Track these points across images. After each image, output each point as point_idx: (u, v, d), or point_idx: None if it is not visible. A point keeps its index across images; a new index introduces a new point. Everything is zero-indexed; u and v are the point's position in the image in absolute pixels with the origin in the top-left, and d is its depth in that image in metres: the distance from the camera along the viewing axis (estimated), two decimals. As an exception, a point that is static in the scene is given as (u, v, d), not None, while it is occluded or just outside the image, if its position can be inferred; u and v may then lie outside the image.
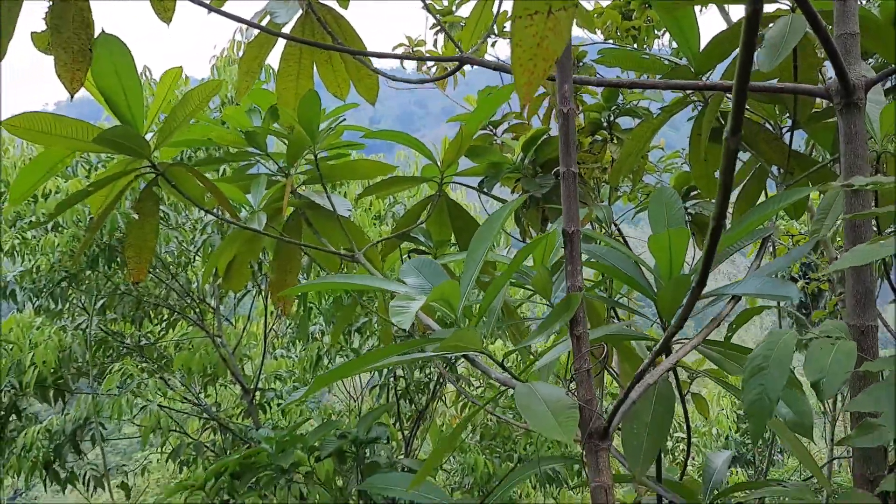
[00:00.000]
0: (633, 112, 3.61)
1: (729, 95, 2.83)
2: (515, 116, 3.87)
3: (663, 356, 2.08)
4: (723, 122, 2.78)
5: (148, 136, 2.68)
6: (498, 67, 1.92)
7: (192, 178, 2.75)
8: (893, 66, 1.73)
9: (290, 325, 5.06)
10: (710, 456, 2.73)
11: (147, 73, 4.44)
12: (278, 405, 4.79)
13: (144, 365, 4.28)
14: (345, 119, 2.93)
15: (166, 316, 4.56)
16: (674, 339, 1.96)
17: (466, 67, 2.84)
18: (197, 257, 4.11)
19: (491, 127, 3.85)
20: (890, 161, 2.02)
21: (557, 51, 0.77)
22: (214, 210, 2.91)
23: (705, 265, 1.21)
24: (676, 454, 6.04)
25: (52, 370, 4.17)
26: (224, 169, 3.98)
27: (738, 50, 2.40)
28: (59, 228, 4.10)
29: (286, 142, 2.99)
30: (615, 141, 3.60)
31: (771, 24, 2.29)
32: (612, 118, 3.69)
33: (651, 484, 2.24)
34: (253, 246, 3.20)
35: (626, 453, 1.88)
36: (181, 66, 2.69)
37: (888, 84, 2.78)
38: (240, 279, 3.32)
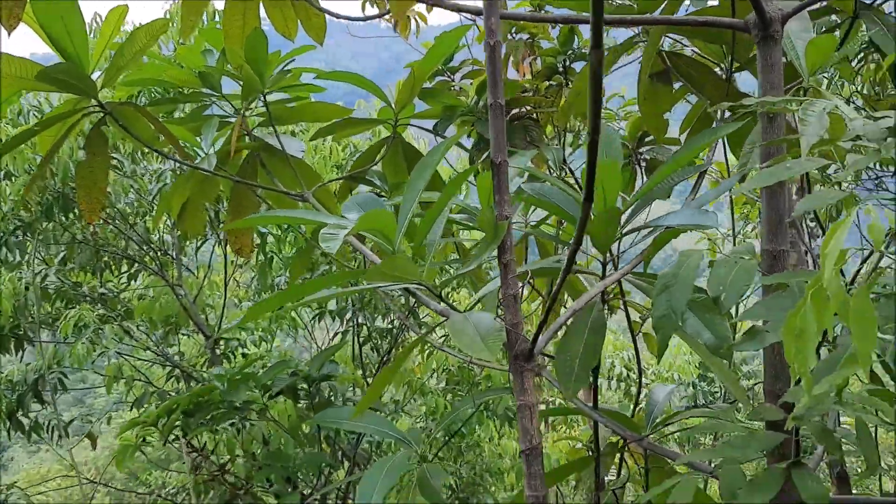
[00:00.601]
0: (585, 57, 3.63)
1: (674, 36, 2.87)
2: (473, 62, 3.88)
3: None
4: (668, 64, 2.81)
5: (96, 76, 2.67)
6: (455, 8, 1.93)
7: (141, 118, 2.74)
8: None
9: (254, 276, 5.08)
10: (653, 389, 2.83)
11: (97, 20, 4.36)
12: (242, 354, 4.83)
13: (101, 313, 4.28)
14: (293, 61, 2.92)
15: (126, 267, 4.56)
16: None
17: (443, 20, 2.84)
18: (154, 205, 4.10)
19: (449, 73, 3.86)
20: (816, 95, 2.07)
21: None
22: (166, 151, 2.90)
23: (588, 184, 1.25)
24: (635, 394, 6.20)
25: (9, 318, 4.17)
26: (184, 110, 3.94)
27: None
28: (11, 177, 4.05)
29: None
30: (570, 86, 3.62)
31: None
32: (567, 63, 3.71)
33: (589, 411, 2.32)
34: (206, 188, 3.19)
35: (559, 378, 1.95)
36: (126, 5, 2.66)
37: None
38: (195, 222, 3.32)
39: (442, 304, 2.00)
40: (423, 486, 2.18)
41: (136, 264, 4.49)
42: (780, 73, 1.70)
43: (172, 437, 2.67)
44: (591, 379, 2.23)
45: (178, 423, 2.64)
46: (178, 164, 3.28)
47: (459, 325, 1.71)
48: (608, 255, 2.11)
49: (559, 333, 2.06)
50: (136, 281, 4.64)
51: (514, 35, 4.00)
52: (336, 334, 4.47)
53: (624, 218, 2.18)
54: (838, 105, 1.13)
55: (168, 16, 4.67)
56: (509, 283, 1.66)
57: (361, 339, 4.52)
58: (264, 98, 2.79)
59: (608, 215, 1.96)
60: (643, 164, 3.83)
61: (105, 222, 4.12)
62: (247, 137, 3.19)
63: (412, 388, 4.42)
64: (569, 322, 2.25)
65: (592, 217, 2.06)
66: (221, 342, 4.83)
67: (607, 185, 2.00)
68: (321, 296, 1.74)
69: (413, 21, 5.00)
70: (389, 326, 4.67)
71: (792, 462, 1.55)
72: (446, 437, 4.25)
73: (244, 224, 2.33)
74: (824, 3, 1.91)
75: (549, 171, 3.26)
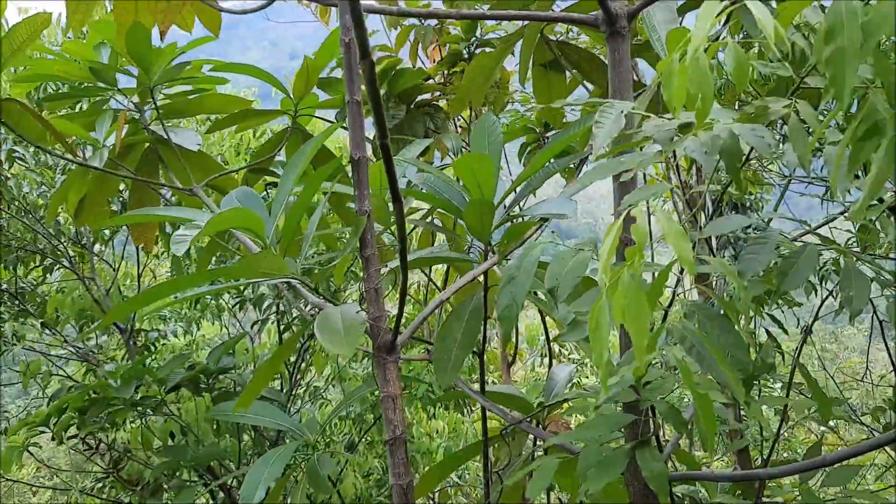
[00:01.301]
0: (489, 44, 3.67)
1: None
2: (381, 49, 3.88)
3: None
4: (557, 53, 2.87)
5: (-24, 72, 2.60)
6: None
7: (27, 113, 2.69)
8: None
9: (171, 269, 5.01)
10: (554, 370, 2.90)
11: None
12: (163, 345, 4.79)
13: (2, 309, 4.19)
14: (182, 53, 2.89)
15: (39, 260, 4.46)
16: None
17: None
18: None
19: (357, 60, 3.85)
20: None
21: None
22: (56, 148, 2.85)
23: (390, 180, 1.28)
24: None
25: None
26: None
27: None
28: None
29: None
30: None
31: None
32: (472, 49, 3.75)
33: (475, 395, 2.38)
34: (104, 184, 3.15)
35: (436, 366, 1.99)
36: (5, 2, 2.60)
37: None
38: (95, 216, 3.28)
39: (318, 297, 2.03)
40: (312, 476, 2.22)
41: (47, 258, 4.39)
42: (629, 67, 1.76)
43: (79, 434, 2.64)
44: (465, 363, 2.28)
45: (73, 421, 2.62)
46: (67, 161, 3.22)
47: (327, 319, 1.74)
48: (488, 240, 2.17)
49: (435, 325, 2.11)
50: (51, 275, 4.55)
51: (422, 21, 4.02)
52: (255, 322, 4.45)
53: (509, 202, 2.24)
54: (627, 105, 1.18)
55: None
56: (371, 276, 1.70)
57: (282, 327, 4.52)
58: (151, 92, 2.76)
59: (480, 206, 2.01)
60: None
61: (11, 216, 4.03)
62: (147, 131, 3.16)
63: (333, 374, 4.45)
64: (444, 311, 2.30)
65: (467, 207, 2.12)
66: (142, 334, 4.77)
67: (481, 177, 2.05)
68: (198, 292, 1.75)
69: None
70: (312, 314, 4.67)
71: (637, 442, 1.62)
72: (360, 427, 4.31)
73: (115, 222, 2.31)
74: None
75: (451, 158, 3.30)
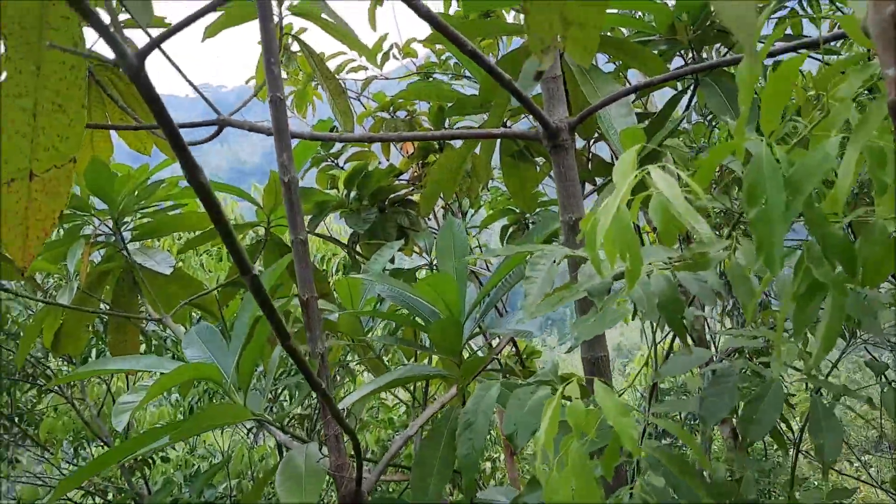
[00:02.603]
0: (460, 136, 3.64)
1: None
2: (354, 145, 3.87)
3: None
4: (518, 145, 2.83)
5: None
6: (252, 128, 1.90)
7: (-9, 255, 2.65)
8: (597, 101, 1.78)
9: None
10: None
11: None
12: (162, 458, 4.66)
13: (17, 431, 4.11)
14: (147, 176, 2.87)
15: (31, 383, 4.39)
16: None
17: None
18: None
19: (332, 158, 3.84)
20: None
21: (57, 208, 0.76)
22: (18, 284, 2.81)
23: (275, 326, 1.22)
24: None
25: None
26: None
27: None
28: None
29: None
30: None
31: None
32: (443, 140, 3.73)
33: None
34: (80, 312, 3.10)
35: (414, 497, 1.89)
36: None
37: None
38: (75, 344, 3.22)
39: (284, 434, 1.94)
40: None
41: (34, 382, 4.32)
42: (575, 179, 1.70)
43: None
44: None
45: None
46: (34, 300, 3.19)
47: (289, 464, 1.65)
48: (460, 357, 2.09)
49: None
50: (45, 395, 4.47)
51: (392, 113, 4.02)
52: (251, 429, 4.34)
53: (478, 314, 2.17)
54: (559, 253, 1.12)
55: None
56: (329, 422, 1.61)
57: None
58: (117, 223, 2.73)
59: (445, 325, 1.94)
60: (531, 226, 3.86)
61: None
62: (122, 255, 3.12)
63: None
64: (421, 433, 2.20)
65: (432, 327, 2.04)
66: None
67: (447, 297, 1.98)
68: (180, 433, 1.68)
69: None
70: (308, 412, 4.57)
71: None
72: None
73: (74, 377, 2.25)
74: (630, 96, 1.92)
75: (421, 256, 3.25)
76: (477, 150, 3.26)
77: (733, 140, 0.86)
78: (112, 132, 2.80)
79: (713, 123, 3.04)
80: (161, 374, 1.82)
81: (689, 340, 1.15)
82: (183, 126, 2.18)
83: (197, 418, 1.65)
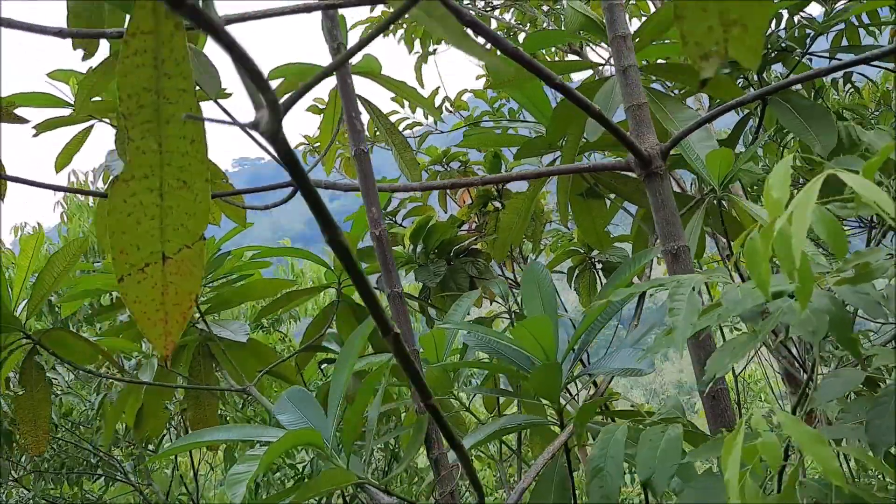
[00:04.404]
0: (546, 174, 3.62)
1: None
2: (411, 200, 3.87)
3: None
4: (591, 182, 2.79)
5: (21, 307, 2.62)
6: (328, 186, 1.90)
7: (72, 339, 2.67)
8: (692, 125, 1.73)
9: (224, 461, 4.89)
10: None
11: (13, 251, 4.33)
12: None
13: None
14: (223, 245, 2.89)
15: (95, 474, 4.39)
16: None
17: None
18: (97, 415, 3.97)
19: (390, 217, 3.85)
20: (734, 202, 2.03)
21: (192, 290, 0.73)
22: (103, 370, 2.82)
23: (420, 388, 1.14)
24: None
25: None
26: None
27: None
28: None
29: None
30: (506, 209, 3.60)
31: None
32: (501, 186, 3.71)
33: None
34: (160, 391, 3.11)
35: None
36: (41, 228, 2.64)
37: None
38: (156, 424, 3.22)
39: (391, 497, 1.88)
40: None
41: (101, 472, 4.31)
42: (674, 207, 1.65)
43: None
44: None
45: None
46: (117, 380, 3.21)
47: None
48: (559, 404, 2.02)
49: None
50: (112, 485, 4.46)
51: (445, 165, 4.03)
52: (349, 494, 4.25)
53: (572, 358, 2.10)
54: (698, 280, 1.06)
55: (65, 217, 4.59)
56: (444, 480, 1.55)
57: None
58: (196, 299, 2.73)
59: (546, 371, 1.87)
60: (598, 265, 3.79)
61: (58, 438, 4.00)
62: (195, 329, 3.13)
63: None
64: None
65: (533, 373, 1.98)
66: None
67: (542, 340, 1.92)
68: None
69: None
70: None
71: None
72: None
73: (171, 452, 2.23)
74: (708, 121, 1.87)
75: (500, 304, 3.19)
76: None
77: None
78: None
79: (781, 143, 2.97)
80: (265, 441, 1.79)
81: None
82: (260, 190, 2.19)
83: (308, 486, 1.61)
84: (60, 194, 4.59)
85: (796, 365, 2.91)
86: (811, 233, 0.83)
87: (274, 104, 0.52)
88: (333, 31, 1.62)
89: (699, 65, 0.67)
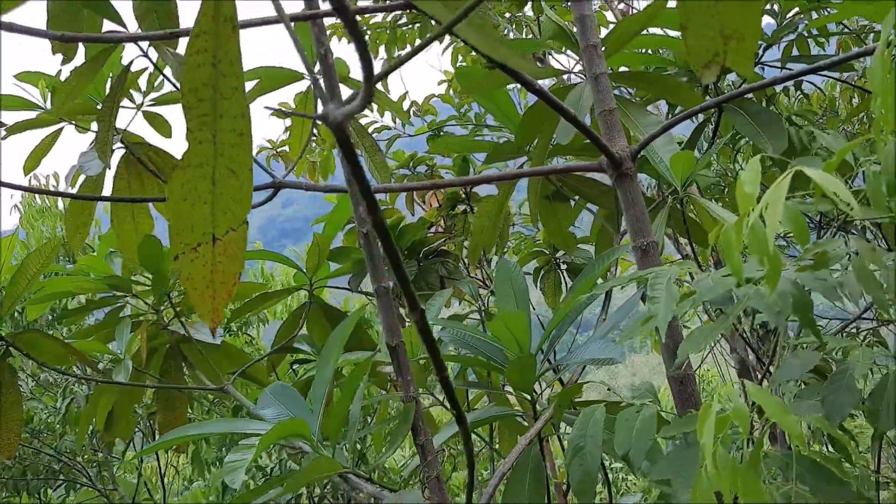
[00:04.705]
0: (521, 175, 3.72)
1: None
2: (381, 203, 3.95)
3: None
4: (558, 185, 2.90)
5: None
6: (310, 188, 1.96)
7: (46, 341, 2.68)
8: (660, 126, 1.85)
9: (187, 460, 4.89)
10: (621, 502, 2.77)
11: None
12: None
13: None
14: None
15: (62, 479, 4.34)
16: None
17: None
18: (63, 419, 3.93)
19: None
20: (695, 202, 2.15)
21: (236, 270, 0.80)
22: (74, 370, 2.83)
23: (447, 395, 1.24)
24: None
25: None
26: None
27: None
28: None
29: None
30: (474, 211, 3.70)
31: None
32: (469, 189, 3.80)
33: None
34: (131, 393, 3.12)
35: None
36: (16, 235, 2.65)
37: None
38: (126, 427, 3.23)
39: (374, 486, 1.95)
40: None
41: (63, 478, 4.26)
42: (643, 205, 1.76)
43: None
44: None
45: None
46: (92, 381, 3.21)
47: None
48: (533, 395, 2.11)
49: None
50: (76, 490, 4.41)
51: (412, 169, 4.11)
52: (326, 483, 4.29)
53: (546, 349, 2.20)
54: (674, 272, 1.16)
55: (23, 222, 4.56)
56: (430, 464, 1.63)
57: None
58: (169, 297, 2.77)
59: (522, 363, 1.96)
60: (563, 266, 3.91)
61: (22, 445, 3.95)
62: (165, 331, 3.15)
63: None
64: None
65: (509, 366, 2.07)
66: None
67: (518, 334, 2.01)
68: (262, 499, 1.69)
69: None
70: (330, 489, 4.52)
71: None
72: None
73: (167, 445, 2.26)
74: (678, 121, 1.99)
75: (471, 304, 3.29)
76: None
77: (864, 137, 0.91)
78: (150, 206, 2.86)
79: (735, 147, 3.12)
80: (251, 433, 1.84)
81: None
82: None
83: (297, 475, 1.67)
84: (17, 197, 4.57)
85: (751, 357, 3.06)
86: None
87: (369, 95, 0.60)
88: (321, 37, 1.69)
89: (701, 72, 0.77)
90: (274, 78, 2.56)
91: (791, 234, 1.12)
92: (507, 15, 4.78)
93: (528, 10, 4.15)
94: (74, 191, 2.67)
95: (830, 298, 1.02)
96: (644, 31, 2.43)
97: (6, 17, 1.18)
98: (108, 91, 2.22)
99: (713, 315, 2.86)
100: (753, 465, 1.01)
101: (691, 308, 1.10)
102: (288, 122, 4.70)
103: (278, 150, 5.42)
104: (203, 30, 0.70)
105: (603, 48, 2.23)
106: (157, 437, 3.75)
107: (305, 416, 1.95)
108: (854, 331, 2.79)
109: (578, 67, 2.84)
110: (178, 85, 2.26)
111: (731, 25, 0.71)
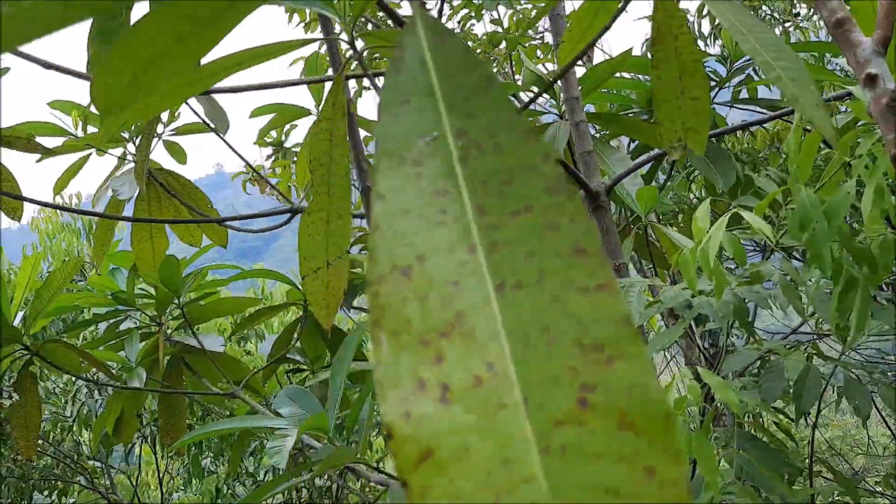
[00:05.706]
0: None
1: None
2: (359, 230, 4.23)
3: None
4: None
5: (19, 317, 2.85)
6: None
7: (65, 350, 2.90)
8: (627, 168, 2.19)
9: (183, 463, 5.09)
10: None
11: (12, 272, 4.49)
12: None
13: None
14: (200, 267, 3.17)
15: (59, 485, 4.51)
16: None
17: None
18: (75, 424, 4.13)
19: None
20: (656, 228, 2.50)
21: (342, 286, 1.09)
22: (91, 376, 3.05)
23: None
24: None
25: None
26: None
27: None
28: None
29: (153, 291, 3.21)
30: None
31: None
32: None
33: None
34: (137, 398, 3.34)
35: None
36: (41, 252, 2.88)
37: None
38: (129, 431, 3.45)
39: (380, 474, 2.23)
40: None
41: (62, 481, 4.44)
42: (615, 233, 2.09)
43: None
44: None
45: None
46: (111, 387, 3.43)
47: (398, 496, 1.95)
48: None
49: None
50: (66, 497, 4.57)
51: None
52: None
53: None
54: (645, 282, 1.49)
55: (42, 236, 4.79)
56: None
57: (302, 501, 4.60)
58: (182, 308, 3.02)
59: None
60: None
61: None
62: (167, 342, 3.39)
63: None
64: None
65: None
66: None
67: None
68: (282, 487, 1.96)
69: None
70: (329, 483, 4.76)
71: None
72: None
73: (192, 440, 2.51)
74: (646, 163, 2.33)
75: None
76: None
77: (783, 187, 1.25)
78: (166, 227, 3.12)
79: (690, 178, 3.49)
80: (273, 428, 2.11)
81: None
82: (261, 215, 2.53)
83: (323, 463, 1.94)
84: (37, 213, 4.77)
85: (703, 359, 3.42)
86: (722, 252, 1.26)
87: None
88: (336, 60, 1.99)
89: (669, 150, 1.09)
90: (285, 112, 2.85)
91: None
92: (479, 50, 5.14)
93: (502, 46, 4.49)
94: (100, 210, 2.92)
95: (762, 306, 1.35)
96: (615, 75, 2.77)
97: (35, 46, 1.46)
98: (146, 125, 2.48)
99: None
100: (705, 432, 1.33)
101: (657, 312, 1.42)
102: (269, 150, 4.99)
103: (257, 173, 5.67)
104: (325, 116, 1.00)
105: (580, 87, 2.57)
106: (157, 440, 3.96)
107: (317, 413, 2.23)
108: (794, 343, 3.16)
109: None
110: (206, 119, 2.54)
111: (689, 122, 1.04)
